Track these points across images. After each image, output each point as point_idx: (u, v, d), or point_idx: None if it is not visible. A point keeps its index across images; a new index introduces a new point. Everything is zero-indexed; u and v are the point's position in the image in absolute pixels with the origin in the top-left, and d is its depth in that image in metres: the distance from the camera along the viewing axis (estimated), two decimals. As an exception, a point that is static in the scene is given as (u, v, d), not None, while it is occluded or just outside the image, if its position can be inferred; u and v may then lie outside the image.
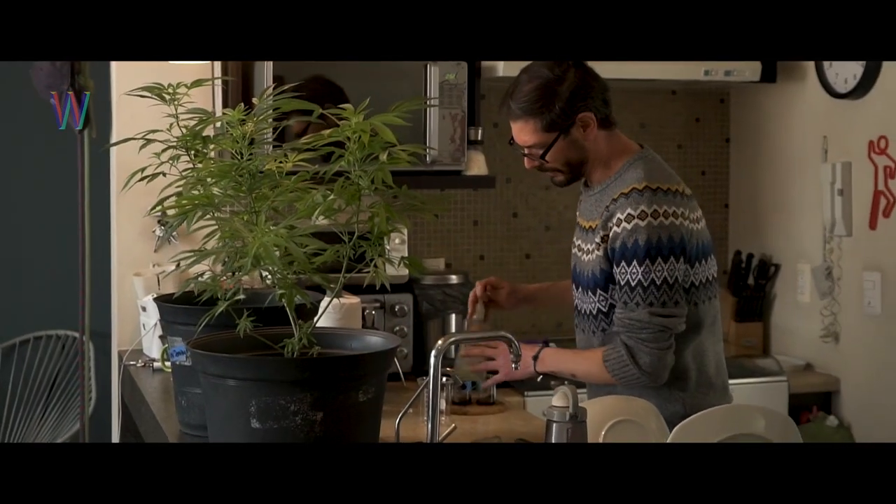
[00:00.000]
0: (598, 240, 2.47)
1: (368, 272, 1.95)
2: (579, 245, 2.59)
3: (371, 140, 1.81)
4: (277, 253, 1.81)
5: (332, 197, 1.81)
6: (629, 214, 2.40)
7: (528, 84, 2.48)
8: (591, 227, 2.53)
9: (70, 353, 4.73)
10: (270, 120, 2.05)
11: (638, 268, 2.39)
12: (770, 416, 1.96)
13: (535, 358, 2.57)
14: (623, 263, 2.41)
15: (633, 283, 2.40)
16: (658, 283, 2.39)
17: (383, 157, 1.81)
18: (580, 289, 2.57)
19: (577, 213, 2.65)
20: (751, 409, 1.99)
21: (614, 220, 2.43)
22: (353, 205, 1.87)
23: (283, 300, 1.89)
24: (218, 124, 2.17)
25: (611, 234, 2.44)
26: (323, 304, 2.08)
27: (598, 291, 2.50)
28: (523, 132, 2.50)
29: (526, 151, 2.52)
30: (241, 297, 1.95)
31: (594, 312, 2.53)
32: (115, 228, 3.53)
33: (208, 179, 1.96)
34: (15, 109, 4.56)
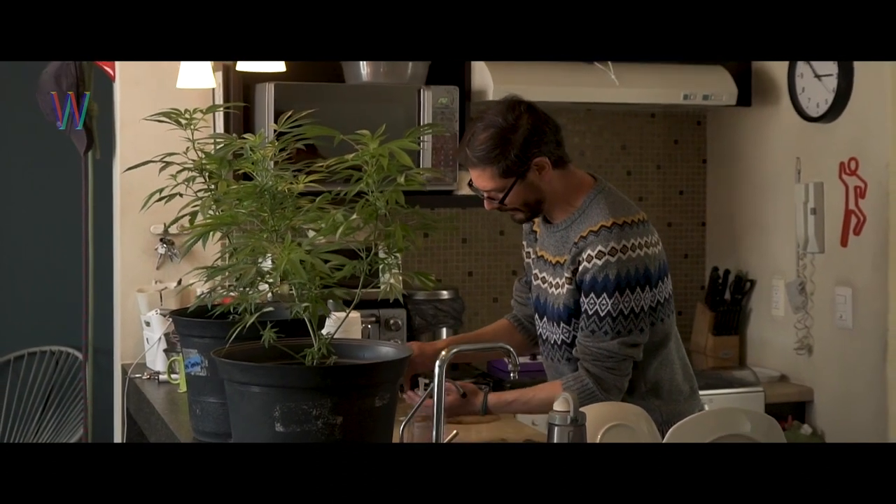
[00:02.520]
0: (567, 274, 2.59)
1: (379, 287, 2.09)
2: (544, 277, 2.71)
3: (388, 163, 1.96)
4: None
5: (353, 217, 1.95)
6: (600, 251, 2.53)
7: (483, 133, 2.56)
8: (558, 261, 2.65)
9: (64, 369, 4.81)
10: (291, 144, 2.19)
11: (608, 300, 2.52)
12: (755, 418, 2.11)
13: (485, 403, 2.67)
14: (592, 295, 2.54)
15: (601, 314, 2.53)
16: (626, 313, 2.53)
17: (401, 179, 1.95)
18: (545, 319, 2.71)
19: (538, 247, 2.75)
20: (738, 411, 2.14)
21: (584, 256, 2.55)
22: (370, 224, 2.02)
23: (306, 313, 2.02)
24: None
25: (580, 269, 2.56)
26: (337, 316, 2.22)
27: (562, 324, 2.63)
28: (481, 178, 2.60)
29: (485, 195, 2.63)
30: (270, 309, 2.08)
31: (560, 342, 2.66)
32: (119, 247, 3.64)
33: (235, 200, 2.08)
34: (21, 127, 4.62)
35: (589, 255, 2.54)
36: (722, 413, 2.19)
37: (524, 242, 2.86)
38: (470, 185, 2.67)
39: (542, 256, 2.73)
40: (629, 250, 2.53)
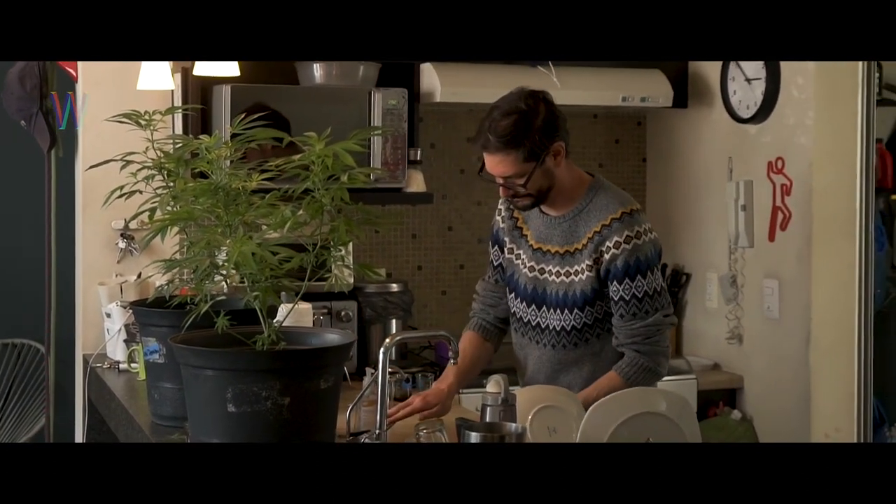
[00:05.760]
0: (588, 262, 2.72)
1: (326, 279, 2.25)
2: (542, 268, 2.82)
3: (333, 163, 2.12)
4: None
5: (300, 212, 2.11)
6: (627, 236, 2.69)
7: (505, 119, 2.65)
8: (568, 251, 2.77)
9: (26, 362, 4.91)
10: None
11: (642, 280, 2.69)
12: (670, 397, 2.29)
13: None
14: (627, 280, 2.69)
15: (639, 296, 2.69)
16: (659, 290, 2.72)
17: (344, 178, 2.12)
18: (544, 307, 2.81)
19: (532, 241, 2.85)
20: (655, 391, 2.32)
21: (611, 243, 2.70)
22: (317, 219, 2.18)
23: (257, 302, 2.18)
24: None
25: (608, 257, 2.70)
26: (288, 306, 2.38)
27: (576, 311, 2.75)
28: (503, 164, 2.68)
29: (502, 181, 2.73)
30: (223, 297, 2.24)
31: (568, 328, 2.78)
32: (80, 241, 3.77)
33: (191, 197, 2.24)
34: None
35: (616, 241, 2.69)
36: (639, 392, 2.37)
37: (506, 239, 2.93)
38: (480, 173, 2.76)
39: (539, 248, 2.84)
40: (643, 235, 2.72)
